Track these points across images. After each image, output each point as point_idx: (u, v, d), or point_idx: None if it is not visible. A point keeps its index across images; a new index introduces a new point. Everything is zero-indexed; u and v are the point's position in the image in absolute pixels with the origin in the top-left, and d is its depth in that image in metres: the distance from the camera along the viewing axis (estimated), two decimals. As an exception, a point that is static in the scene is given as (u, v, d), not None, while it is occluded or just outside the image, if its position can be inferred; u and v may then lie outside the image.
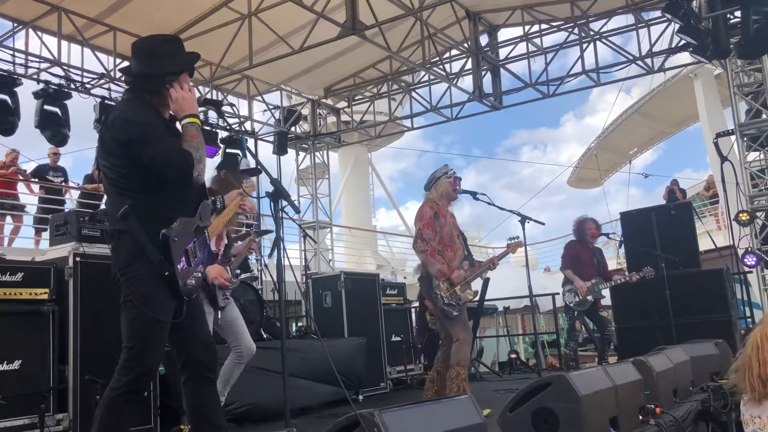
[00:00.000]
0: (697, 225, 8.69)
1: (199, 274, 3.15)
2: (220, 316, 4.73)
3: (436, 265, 5.20)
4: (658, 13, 9.50)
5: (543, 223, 6.43)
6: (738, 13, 7.45)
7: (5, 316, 4.68)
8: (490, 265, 5.45)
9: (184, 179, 2.98)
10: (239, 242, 5.25)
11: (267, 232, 7.70)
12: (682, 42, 8.26)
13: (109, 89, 9.41)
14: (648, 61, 10.03)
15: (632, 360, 4.46)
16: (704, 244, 8.97)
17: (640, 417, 4.02)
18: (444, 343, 5.38)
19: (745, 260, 7.93)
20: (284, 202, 3.56)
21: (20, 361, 4.67)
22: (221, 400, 4.45)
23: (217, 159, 11.24)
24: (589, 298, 7.58)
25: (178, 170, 2.95)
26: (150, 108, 3.09)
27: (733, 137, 8.80)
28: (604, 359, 7.59)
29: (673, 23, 8.45)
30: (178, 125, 3.12)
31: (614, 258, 15.83)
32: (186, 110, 3.09)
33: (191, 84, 3.24)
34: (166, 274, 2.96)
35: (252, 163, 9.53)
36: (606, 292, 7.91)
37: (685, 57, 9.92)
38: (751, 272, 8.52)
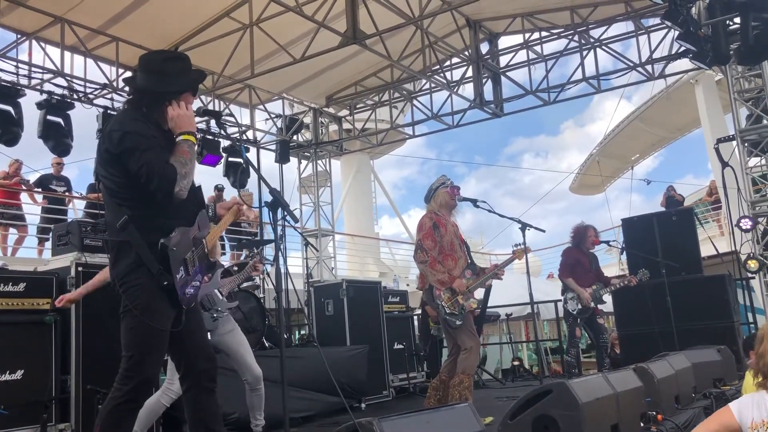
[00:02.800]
0: (699, 231, 8.68)
1: (198, 284, 3.16)
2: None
3: (436, 275, 5.20)
4: (657, 20, 9.52)
5: (543, 231, 6.42)
6: (737, 20, 7.47)
7: (8, 326, 4.71)
8: (496, 274, 5.43)
9: (163, 193, 2.97)
10: (233, 274, 5.26)
11: (269, 241, 7.73)
12: (682, 48, 8.29)
13: (111, 99, 9.45)
14: (648, 67, 10.05)
15: (633, 367, 4.47)
16: (706, 250, 8.96)
17: (642, 424, 4.02)
18: (452, 352, 5.36)
19: (741, 224, 7.95)
20: (284, 212, 3.56)
21: (22, 370, 4.69)
22: None
23: (220, 168, 11.30)
24: (591, 304, 7.57)
25: (158, 182, 2.94)
26: (147, 120, 3.11)
27: (734, 143, 8.81)
28: (603, 366, 7.57)
29: (672, 30, 8.47)
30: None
31: (616, 264, 15.81)
32: (182, 127, 3.11)
33: (194, 100, 3.26)
34: (165, 283, 2.98)
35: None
36: (608, 298, 7.89)
37: (685, 63, 9.93)
38: (754, 278, 8.51)
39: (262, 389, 4.95)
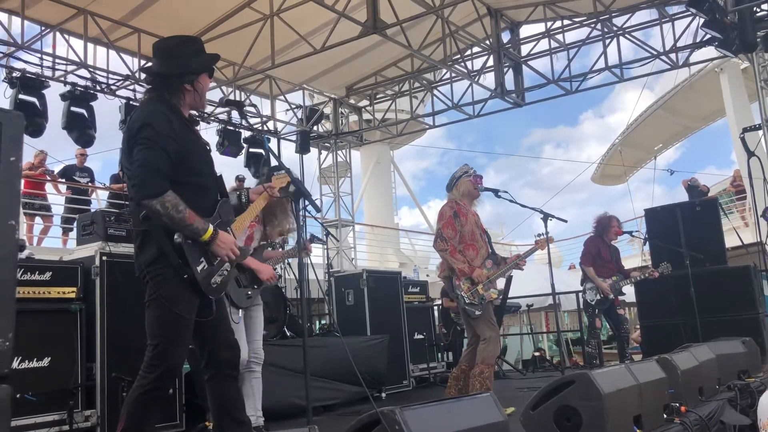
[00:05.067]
0: (723, 221, 8.56)
1: (226, 273, 3.16)
2: (241, 315, 4.65)
3: (456, 263, 5.18)
4: (682, 8, 9.38)
5: (566, 221, 6.33)
6: (765, 6, 7.33)
7: (35, 315, 4.77)
8: (518, 264, 5.39)
9: (136, 196, 2.97)
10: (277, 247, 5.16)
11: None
12: (707, 36, 8.16)
13: (134, 90, 9.55)
14: (672, 56, 9.91)
15: (657, 358, 4.42)
16: (731, 240, 8.84)
17: (665, 415, 3.98)
18: (471, 342, 5.35)
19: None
20: (306, 202, 3.57)
21: (49, 358, 4.76)
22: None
23: (241, 159, 11.36)
24: (610, 295, 7.52)
25: (140, 184, 2.93)
26: (171, 109, 3.11)
27: (760, 132, 8.67)
28: (625, 357, 7.51)
29: (697, 17, 8.33)
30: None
31: (639, 255, 15.67)
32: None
33: (212, 84, 3.26)
34: (185, 276, 3.00)
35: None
36: (629, 290, 7.82)
37: (710, 51, 9.78)
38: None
39: (254, 375, 4.77)
